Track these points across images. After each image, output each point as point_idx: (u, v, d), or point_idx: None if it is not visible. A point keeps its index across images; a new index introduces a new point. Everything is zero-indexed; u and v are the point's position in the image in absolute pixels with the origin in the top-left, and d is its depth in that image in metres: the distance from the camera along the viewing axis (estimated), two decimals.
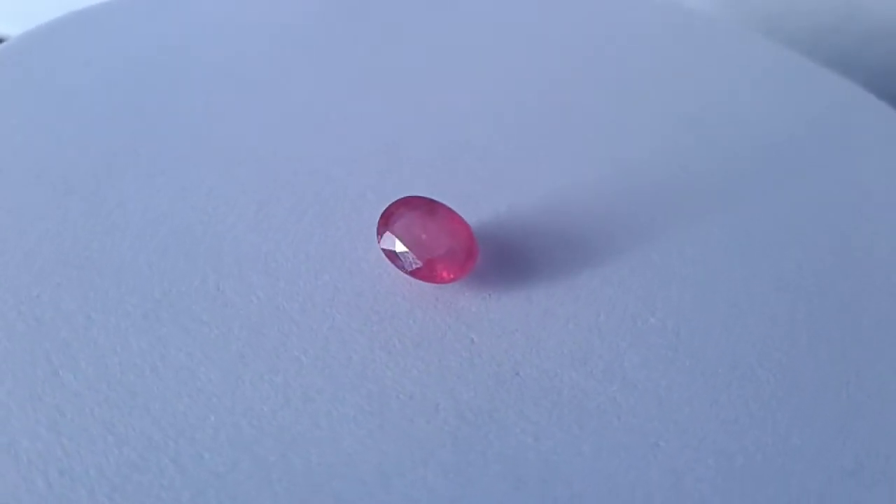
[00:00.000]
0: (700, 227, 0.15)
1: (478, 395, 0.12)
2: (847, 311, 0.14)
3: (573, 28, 0.20)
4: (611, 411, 0.12)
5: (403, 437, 0.12)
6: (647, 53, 0.19)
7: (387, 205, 0.15)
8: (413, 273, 0.13)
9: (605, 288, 0.14)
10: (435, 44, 0.19)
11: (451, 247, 0.13)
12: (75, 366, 0.12)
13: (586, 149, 0.16)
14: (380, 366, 0.12)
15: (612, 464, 0.11)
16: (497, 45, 0.19)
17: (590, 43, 0.19)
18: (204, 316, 0.13)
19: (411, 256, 0.13)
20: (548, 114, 0.17)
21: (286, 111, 0.17)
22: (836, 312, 0.14)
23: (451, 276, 0.13)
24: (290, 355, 0.12)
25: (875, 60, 0.30)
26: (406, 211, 0.14)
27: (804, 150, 0.17)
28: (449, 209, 0.14)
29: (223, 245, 0.14)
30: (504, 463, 0.11)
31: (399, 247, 0.13)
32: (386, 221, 0.14)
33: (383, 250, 0.14)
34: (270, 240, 0.14)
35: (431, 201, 0.14)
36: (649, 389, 0.12)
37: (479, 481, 0.11)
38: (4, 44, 0.18)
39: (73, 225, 0.14)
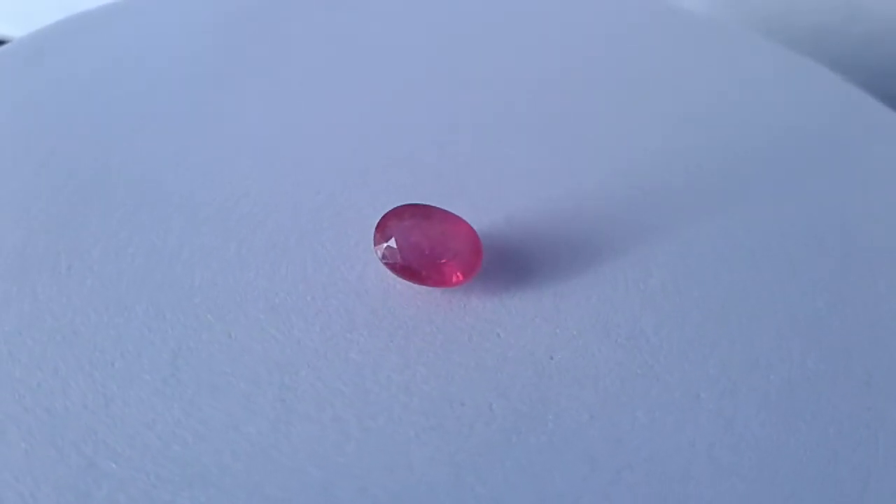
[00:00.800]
0: (694, 218, 0.15)
1: (524, 386, 0.12)
2: (834, 246, 0.15)
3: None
4: (648, 374, 0.13)
5: (470, 445, 0.12)
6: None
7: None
8: (423, 281, 0.13)
9: (604, 266, 0.14)
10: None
11: (456, 249, 0.13)
12: (111, 451, 0.11)
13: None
14: (421, 379, 0.12)
15: (667, 423, 0.12)
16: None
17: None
18: (226, 368, 0.12)
19: (417, 266, 0.13)
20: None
21: (258, 122, 0.16)
22: (821, 248, 0.15)
23: (462, 277, 0.13)
24: (330, 388, 0.12)
25: (875, 61, 0.30)
26: (400, 221, 0.14)
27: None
28: (445, 211, 0.14)
29: (217, 292, 0.13)
30: (572, 446, 0.12)
31: (403, 258, 0.13)
32: (383, 235, 0.13)
33: (387, 265, 0.13)
34: (263, 275, 0.14)
35: (425, 206, 0.14)
36: (673, 347, 0.13)
37: (557, 469, 0.11)
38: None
39: (47, 301, 0.13)
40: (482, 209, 0.15)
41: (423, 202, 0.15)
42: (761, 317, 0.13)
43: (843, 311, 0.14)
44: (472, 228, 0.14)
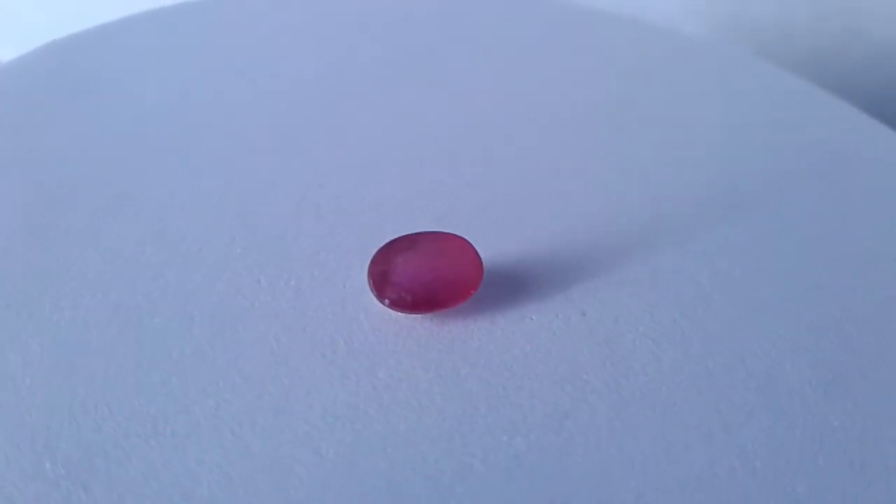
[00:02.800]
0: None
1: (589, 349, 0.13)
2: (835, 263, 0.16)
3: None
4: (664, 290, 0.14)
5: (607, 413, 0.12)
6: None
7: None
8: (443, 304, 0.13)
9: (612, 256, 0.15)
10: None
11: (457, 261, 0.14)
12: None
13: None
14: (514, 387, 0.13)
15: (707, 321, 0.14)
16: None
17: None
18: (339, 480, 0.12)
19: (432, 294, 0.13)
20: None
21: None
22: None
23: (475, 285, 0.14)
24: (456, 441, 0.12)
25: (875, 85, 0.30)
26: (388, 265, 0.13)
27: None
28: (428, 233, 0.14)
29: (263, 425, 0.12)
30: (667, 376, 0.13)
31: (415, 296, 0.13)
32: (382, 280, 0.13)
33: (398, 308, 0.13)
34: (295, 383, 0.13)
35: (404, 237, 0.14)
36: (706, 297, 0.15)
37: (677, 394, 0.13)
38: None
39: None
40: (474, 224, 0.15)
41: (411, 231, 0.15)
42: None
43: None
44: (457, 236, 0.14)
